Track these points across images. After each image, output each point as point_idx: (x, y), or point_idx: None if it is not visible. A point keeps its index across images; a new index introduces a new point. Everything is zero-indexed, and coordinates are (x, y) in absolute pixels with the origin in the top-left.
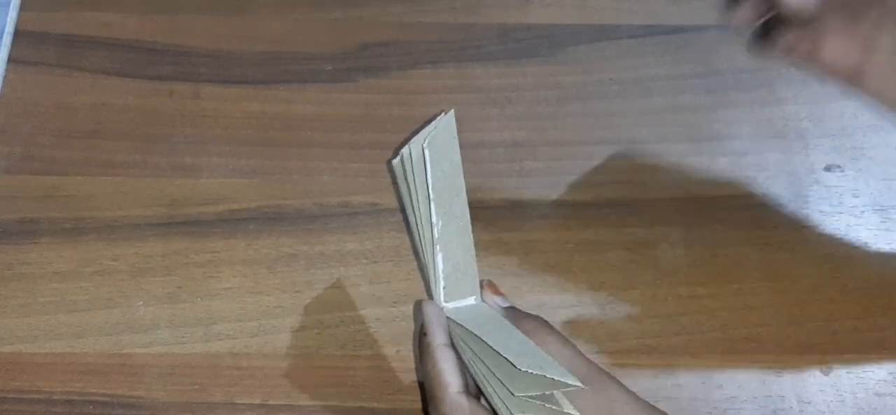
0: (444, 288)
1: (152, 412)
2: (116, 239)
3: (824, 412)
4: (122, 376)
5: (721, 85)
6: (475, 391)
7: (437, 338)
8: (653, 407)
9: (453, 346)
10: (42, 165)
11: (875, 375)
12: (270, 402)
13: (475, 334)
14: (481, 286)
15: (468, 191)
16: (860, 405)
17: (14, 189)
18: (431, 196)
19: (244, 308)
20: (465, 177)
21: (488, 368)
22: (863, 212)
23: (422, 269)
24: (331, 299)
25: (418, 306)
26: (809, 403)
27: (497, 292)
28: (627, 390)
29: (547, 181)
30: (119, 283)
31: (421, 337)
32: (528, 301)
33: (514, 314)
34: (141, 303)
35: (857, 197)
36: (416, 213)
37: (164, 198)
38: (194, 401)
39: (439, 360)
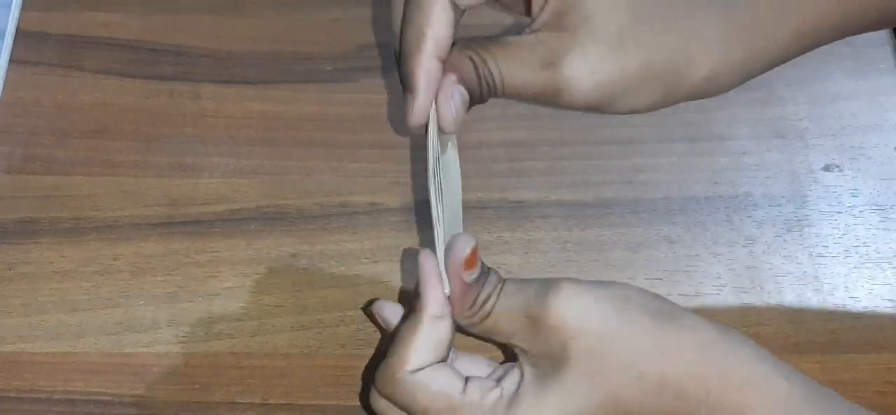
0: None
1: (153, 412)
2: (117, 239)
3: None
4: (122, 376)
5: None
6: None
7: (431, 308)
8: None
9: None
10: (42, 165)
11: (875, 374)
12: (270, 401)
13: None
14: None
15: (467, 189)
16: (860, 405)
17: (15, 189)
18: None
19: (244, 308)
20: (465, 177)
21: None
22: (862, 211)
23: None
24: (331, 299)
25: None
26: None
27: (471, 265)
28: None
29: (547, 181)
30: (120, 282)
31: (412, 299)
32: None
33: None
34: (142, 302)
35: (856, 196)
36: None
37: (165, 198)
38: (195, 400)
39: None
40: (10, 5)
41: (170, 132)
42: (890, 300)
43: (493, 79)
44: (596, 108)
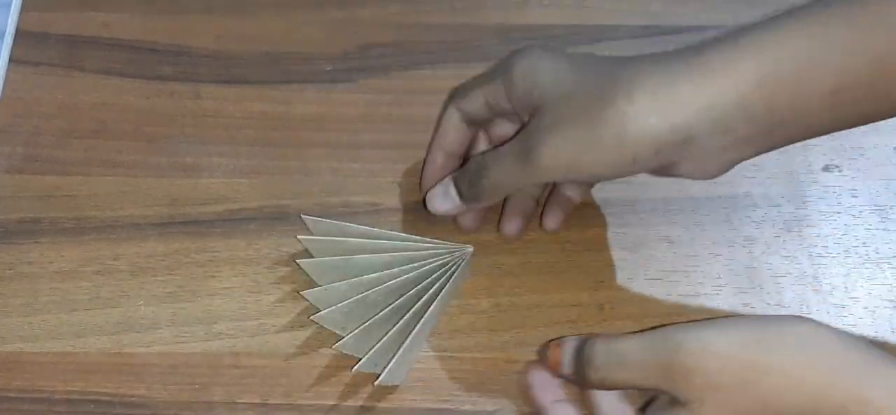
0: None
1: (153, 411)
2: (117, 238)
3: None
4: (122, 376)
5: None
6: None
7: (545, 398)
8: None
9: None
10: (43, 165)
11: None
12: (270, 401)
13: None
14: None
15: None
16: None
17: (16, 188)
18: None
19: (244, 308)
20: None
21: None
22: (861, 212)
23: None
24: None
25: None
26: None
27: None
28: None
29: None
30: (120, 282)
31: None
32: (528, 301)
33: None
34: (142, 302)
35: (855, 197)
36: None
37: (165, 197)
38: (194, 400)
39: None
40: (10, 5)
41: (170, 132)
42: (890, 300)
43: (487, 180)
44: (573, 179)
